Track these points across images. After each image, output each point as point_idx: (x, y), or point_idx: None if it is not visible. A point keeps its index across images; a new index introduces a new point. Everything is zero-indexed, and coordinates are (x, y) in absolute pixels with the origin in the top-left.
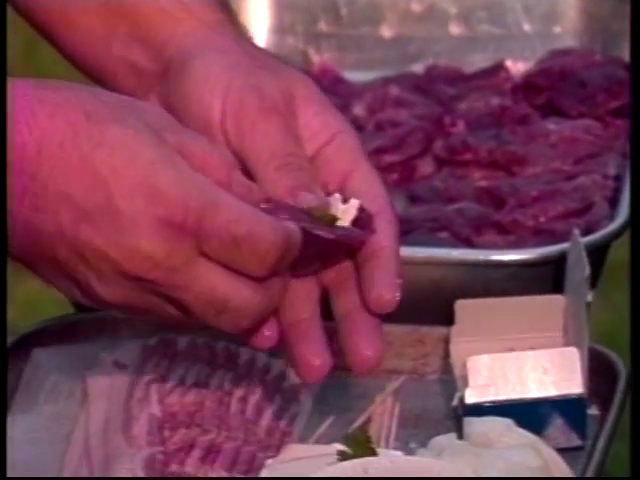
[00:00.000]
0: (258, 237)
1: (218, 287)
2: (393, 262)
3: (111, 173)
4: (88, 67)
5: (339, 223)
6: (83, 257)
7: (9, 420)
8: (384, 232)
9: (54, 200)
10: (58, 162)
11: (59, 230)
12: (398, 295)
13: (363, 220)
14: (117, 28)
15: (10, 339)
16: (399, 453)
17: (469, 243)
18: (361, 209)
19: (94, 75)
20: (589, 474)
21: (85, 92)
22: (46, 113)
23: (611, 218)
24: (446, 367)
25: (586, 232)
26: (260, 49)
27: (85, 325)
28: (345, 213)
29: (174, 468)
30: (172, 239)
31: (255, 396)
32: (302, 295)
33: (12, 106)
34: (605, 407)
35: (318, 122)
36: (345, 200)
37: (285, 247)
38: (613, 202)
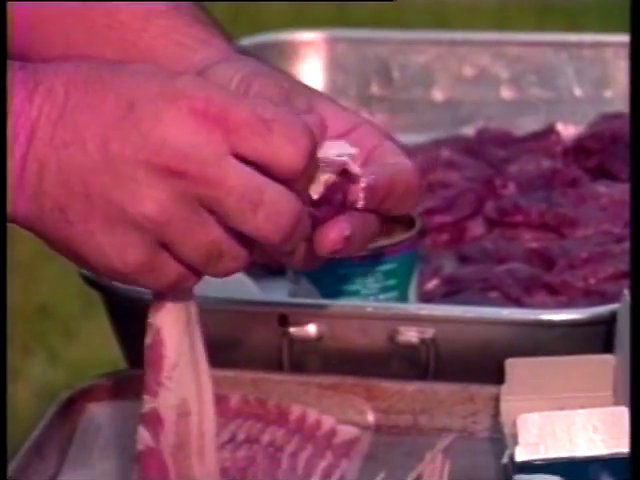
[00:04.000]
0: (288, 120)
1: (251, 179)
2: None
3: (133, 87)
4: None
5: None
6: (116, 174)
7: (63, 476)
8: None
9: (82, 129)
10: (83, 94)
11: (89, 158)
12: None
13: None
14: None
15: (65, 394)
16: None
17: (519, 303)
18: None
19: None
20: None
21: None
22: (72, 64)
23: None
24: (496, 426)
25: None
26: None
27: (138, 381)
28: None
29: None
30: (199, 131)
31: (306, 452)
32: None
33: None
34: None
35: (342, 115)
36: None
37: (313, 136)
38: None
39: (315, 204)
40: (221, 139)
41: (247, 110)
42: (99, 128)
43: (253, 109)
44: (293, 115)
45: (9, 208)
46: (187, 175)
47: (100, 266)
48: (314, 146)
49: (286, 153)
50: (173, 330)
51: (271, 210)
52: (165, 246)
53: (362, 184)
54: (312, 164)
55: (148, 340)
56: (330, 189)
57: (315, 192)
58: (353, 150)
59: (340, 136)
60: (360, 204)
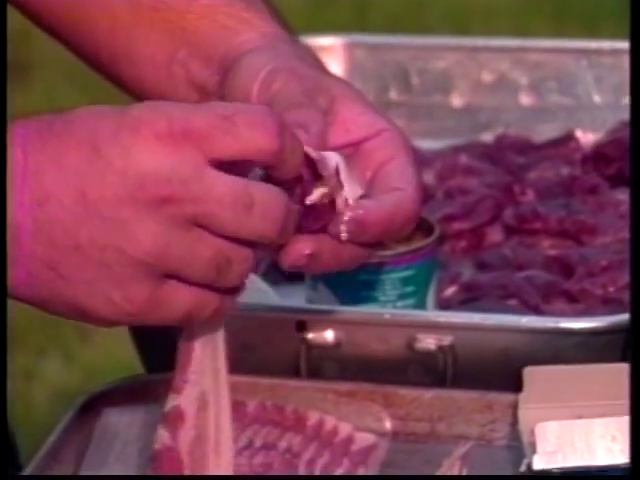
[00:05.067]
0: (248, 110)
1: (236, 183)
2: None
3: (90, 131)
4: (148, 94)
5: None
6: (103, 219)
7: None
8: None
9: (52, 185)
10: (41, 150)
11: (69, 210)
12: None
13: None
14: (177, 52)
15: (80, 398)
16: None
17: (538, 311)
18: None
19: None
20: None
21: None
22: (21, 123)
23: None
24: (514, 433)
25: None
26: (314, 56)
27: (155, 386)
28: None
29: None
30: (172, 152)
31: (323, 459)
32: None
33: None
34: None
35: (364, 119)
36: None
37: (280, 123)
38: None
39: (305, 215)
40: (194, 152)
41: (208, 114)
42: (70, 179)
43: (212, 111)
44: (252, 105)
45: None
46: (174, 199)
47: (105, 312)
48: (282, 126)
49: (257, 139)
50: (204, 327)
51: (264, 208)
52: (169, 275)
53: (345, 217)
54: (289, 148)
55: (182, 339)
56: (322, 206)
57: (309, 200)
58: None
59: (357, 143)
60: (343, 236)
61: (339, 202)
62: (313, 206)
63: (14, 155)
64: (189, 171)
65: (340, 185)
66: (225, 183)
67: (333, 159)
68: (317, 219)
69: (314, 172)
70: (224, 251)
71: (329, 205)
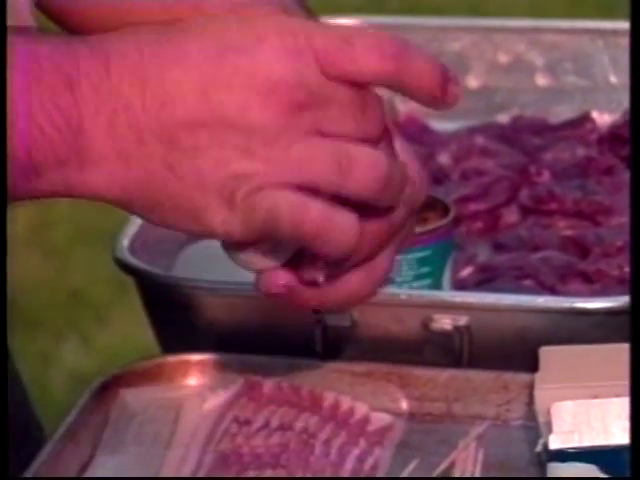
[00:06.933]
0: (367, 34)
1: (352, 88)
2: None
3: (212, 38)
4: None
5: None
6: (225, 120)
7: (97, 461)
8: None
9: (175, 86)
10: (162, 52)
11: (193, 111)
12: None
13: None
14: None
15: (98, 380)
16: None
17: (554, 291)
18: None
19: None
20: None
21: None
22: (130, 30)
23: None
24: (530, 414)
25: None
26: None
27: (172, 367)
28: None
29: None
30: (297, 61)
31: (339, 439)
32: None
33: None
34: None
35: None
36: None
37: (400, 43)
38: None
39: None
40: (316, 64)
41: (329, 33)
42: (193, 79)
43: (334, 31)
44: (375, 31)
45: (90, 185)
46: (306, 104)
47: (219, 216)
48: (401, 51)
49: (370, 60)
50: None
51: (376, 110)
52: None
53: None
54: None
55: None
56: None
57: None
58: None
59: None
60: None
61: None
62: None
63: (128, 53)
64: (316, 79)
65: None
66: (344, 89)
67: None
68: None
69: None
70: (346, 147)
71: None
